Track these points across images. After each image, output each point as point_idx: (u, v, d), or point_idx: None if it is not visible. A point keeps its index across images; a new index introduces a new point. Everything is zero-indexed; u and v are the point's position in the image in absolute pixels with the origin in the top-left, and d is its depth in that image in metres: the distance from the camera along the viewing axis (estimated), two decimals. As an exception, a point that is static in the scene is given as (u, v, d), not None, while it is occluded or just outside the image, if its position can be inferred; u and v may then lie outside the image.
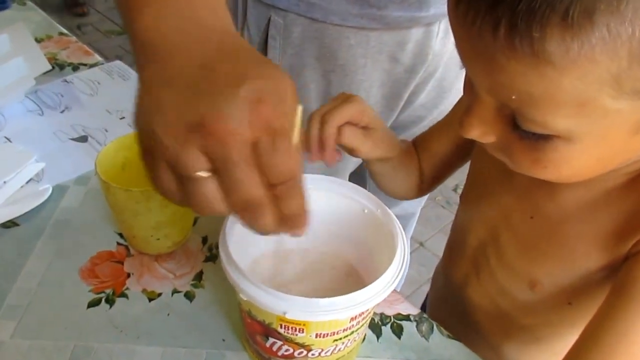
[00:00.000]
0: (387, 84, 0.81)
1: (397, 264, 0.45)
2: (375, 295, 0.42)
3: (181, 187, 0.35)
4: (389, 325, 0.57)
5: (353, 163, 0.93)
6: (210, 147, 0.32)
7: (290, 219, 0.35)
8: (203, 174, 0.33)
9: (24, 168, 0.68)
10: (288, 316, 0.41)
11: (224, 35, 0.38)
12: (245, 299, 0.43)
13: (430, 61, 0.80)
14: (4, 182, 0.67)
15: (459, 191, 2.07)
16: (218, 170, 0.33)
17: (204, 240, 0.64)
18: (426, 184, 0.70)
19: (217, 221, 0.64)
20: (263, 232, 0.36)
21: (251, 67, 0.35)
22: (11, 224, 0.63)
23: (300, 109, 0.36)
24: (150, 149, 0.34)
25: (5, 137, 0.75)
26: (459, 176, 2.22)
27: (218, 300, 0.58)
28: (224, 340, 0.54)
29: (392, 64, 0.79)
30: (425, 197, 1.22)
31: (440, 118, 0.94)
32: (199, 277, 0.60)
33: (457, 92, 0.91)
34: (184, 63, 0.35)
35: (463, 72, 0.86)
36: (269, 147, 0.33)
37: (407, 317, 0.58)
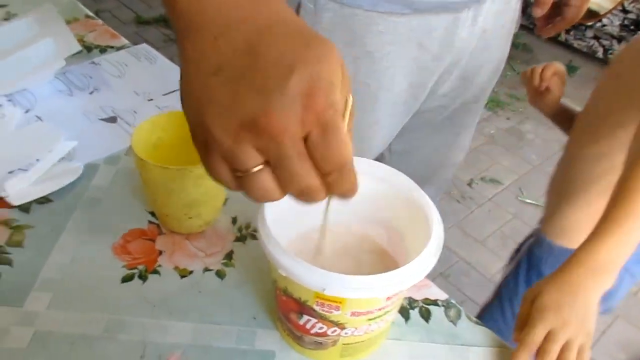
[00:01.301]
0: (413, 72, 0.81)
1: (436, 242, 0.45)
2: (414, 274, 0.43)
3: (237, 178, 0.36)
4: (417, 309, 0.58)
5: (376, 147, 0.93)
6: (264, 145, 0.33)
7: (342, 196, 0.37)
8: (257, 167, 0.34)
9: (56, 146, 0.69)
10: (327, 292, 0.42)
11: (265, 5, 0.37)
12: (284, 274, 0.43)
13: (457, 49, 0.81)
14: (37, 160, 0.68)
15: (474, 186, 2.08)
16: (273, 164, 0.34)
17: (234, 220, 0.65)
18: None
19: (246, 203, 0.64)
20: (313, 204, 0.37)
21: (298, 50, 0.34)
22: (45, 200, 0.64)
23: (351, 98, 0.37)
24: (205, 140, 0.35)
25: (36, 116, 0.76)
26: (473, 171, 2.20)
27: (249, 279, 0.58)
28: (254, 318, 0.55)
29: (419, 51, 0.79)
30: (442, 190, 1.23)
31: (462, 109, 0.95)
32: (229, 256, 0.60)
33: (478, 85, 0.91)
34: (229, 47, 0.35)
35: (486, 63, 0.87)
36: (320, 140, 0.34)
37: (434, 302, 0.59)
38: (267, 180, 0.35)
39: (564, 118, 1.01)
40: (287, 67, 0.33)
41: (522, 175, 2.21)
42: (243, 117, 0.33)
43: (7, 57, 0.79)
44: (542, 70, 0.96)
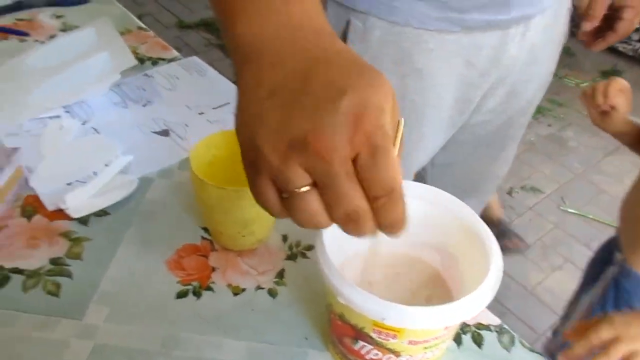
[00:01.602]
0: (460, 88, 0.81)
1: (497, 271, 0.45)
2: (475, 306, 0.42)
3: (283, 200, 0.36)
4: (469, 334, 0.57)
5: (420, 162, 0.93)
6: (312, 164, 0.34)
7: (389, 226, 0.36)
8: (305, 188, 0.34)
9: (114, 160, 0.71)
10: (387, 322, 0.42)
11: (320, 38, 0.39)
12: (343, 302, 0.43)
13: (505, 65, 0.80)
14: (94, 172, 0.70)
15: (514, 194, 2.05)
16: (320, 185, 0.34)
17: (284, 238, 0.65)
18: None
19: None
20: (362, 236, 0.36)
21: (350, 76, 0.35)
22: (102, 212, 0.66)
23: (402, 121, 0.37)
24: (254, 161, 0.36)
25: (93, 128, 0.78)
26: (513, 179, 2.16)
27: (300, 298, 0.59)
28: (306, 338, 0.55)
29: (467, 68, 0.78)
30: (484, 203, 1.21)
31: (508, 122, 0.93)
32: (280, 275, 0.61)
33: (526, 99, 0.90)
34: (284, 73, 0.36)
35: (534, 77, 0.86)
36: (369, 162, 0.33)
37: (487, 327, 0.58)
38: (313, 202, 0.35)
39: (634, 138, 0.96)
40: (338, 90, 0.34)
41: (563, 184, 2.16)
42: (292, 136, 0.34)
43: (66, 69, 0.82)
44: (606, 87, 0.90)
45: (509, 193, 2.08)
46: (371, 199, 0.35)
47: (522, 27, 0.76)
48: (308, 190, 0.35)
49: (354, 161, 0.34)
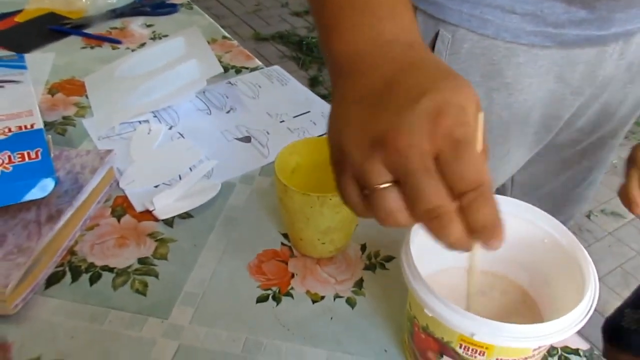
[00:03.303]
0: (549, 104, 0.78)
1: (591, 293, 0.43)
2: (569, 328, 0.40)
3: (365, 198, 0.37)
4: (556, 357, 0.55)
5: (502, 179, 0.90)
6: (392, 161, 0.34)
7: (481, 229, 0.35)
8: (386, 185, 0.35)
9: (199, 165, 0.73)
10: (476, 338, 0.40)
11: (410, 50, 0.41)
12: (429, 314, 0.42)
13: (599, 83, 0.76)
14: (179, 176, 0.72)
15: (593, 218, 1.97)
16: (401, 181, 0.35)
17: (363, 247, 0.65)
18: None
19: (375, 229, 0.65)
20: (452, 243, 0.35)
21: (432, 80, 0.36)
22: (186, 215, 0.68)
23: (481, 115, 0.36)
24: (339, 160, 0.38)
25: (179, 133, 0.81)
26: (592, 202, 2.07)
27: (379, 309, 0.58)
28: (386, 351, 0.55)
29: (558, 84, 0.75)
30: (569, 223, 1.16)
31: (597, 143, 0.89)
32: (359, 284, 0.61)
33: (619, 119, 0.85)
34: (372, 80, 0.38)
35: (630, 97, 0.81)
36: (451, 156, 0.33)
37: (575, 352, 0.55)
38: (394, 199, 0.35)
39: None
40: (419, 91, 0.35)
41: (648, 209, 2.05)
42: (374, 135, 0.35)
43: (156, 76, 0.85)
44: (629, 192, 0.65)
45: (588, 216, 1.99)
46: (457, 196, 0.34)
47: (620, 44, 0.73)
48: (388, 187, 0.35)
49: (436, 159, 0.34)
